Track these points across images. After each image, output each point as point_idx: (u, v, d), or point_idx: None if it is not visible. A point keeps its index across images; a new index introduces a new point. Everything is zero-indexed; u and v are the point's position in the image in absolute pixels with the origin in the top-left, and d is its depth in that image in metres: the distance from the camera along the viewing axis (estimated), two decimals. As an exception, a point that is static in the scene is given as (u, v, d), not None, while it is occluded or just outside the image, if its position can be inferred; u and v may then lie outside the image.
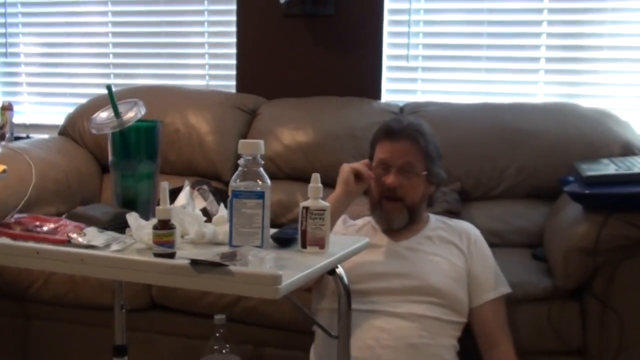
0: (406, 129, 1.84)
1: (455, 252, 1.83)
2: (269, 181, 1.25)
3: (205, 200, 1.59)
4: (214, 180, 2.43)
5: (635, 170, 1.90)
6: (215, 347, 2.05)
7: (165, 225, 1.20)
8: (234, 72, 3.05)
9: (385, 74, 2.91)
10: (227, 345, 2.06)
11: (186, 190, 1.52)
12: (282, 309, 2.06)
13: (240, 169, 1.25)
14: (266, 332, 2.12)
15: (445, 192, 2.39)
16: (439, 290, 1.74)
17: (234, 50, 3.04)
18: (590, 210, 1.89)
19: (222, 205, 1.47)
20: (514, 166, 2.44)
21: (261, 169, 1.25)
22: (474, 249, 1.85)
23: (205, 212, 1.44)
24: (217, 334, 2.05)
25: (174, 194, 1.52)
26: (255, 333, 2.13)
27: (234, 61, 3.04)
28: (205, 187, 1.67)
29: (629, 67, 2.69)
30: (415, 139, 1.83)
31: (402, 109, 2.72)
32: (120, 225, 1.36)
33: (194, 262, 1.09)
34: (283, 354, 2.11)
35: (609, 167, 1.98)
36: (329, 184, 2.54)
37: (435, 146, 1.87)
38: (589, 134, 2.41)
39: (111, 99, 1.48)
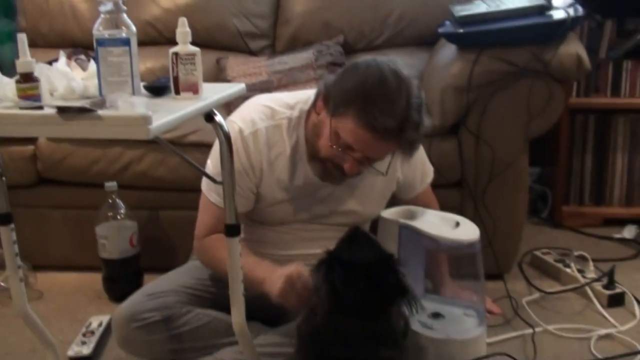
0: (401, 130, 1.42)
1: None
2: (134, 28, 1.21)
3: (84, 71, 1.52)
4: (91, 50, 2.33)
5: (503, 7, 1.97)
6: (109, 214, 2.05)
7: (28, 78, 1.16)
8: None
9: None
10: (121, 212, 2.07)
11: (62, 61, 1.45)
12: (173, 170, 2.07)
13: (102, 16, 1.21)
14: (159, 195, 2.13)
15: (329, 45, 2.41)
16: (363, 215, 1.71)
17: None
18: (463, 49, 1.97)
19: (92, 61, 1.42)
20: (394, 15, 2.49)
21: (124, 14, 1.21)
22: None
23: (85, 82, 1.38)
24: (110, 201, 2.06)
25: (49, 66, 1.45)
26: (148, 197, 2.13)
27: None
28: (82, 56, 1.59)
29: None
30: (403, 145, 1.49)
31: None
32: (-17, 89, 1.30)
33: (61, 109, 1.06)
34: (178, 215, 2.13)
35: (480, 7, 2.04)
36: (212, 45, 2.52)
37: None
38: (465, -21, 2.46)
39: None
